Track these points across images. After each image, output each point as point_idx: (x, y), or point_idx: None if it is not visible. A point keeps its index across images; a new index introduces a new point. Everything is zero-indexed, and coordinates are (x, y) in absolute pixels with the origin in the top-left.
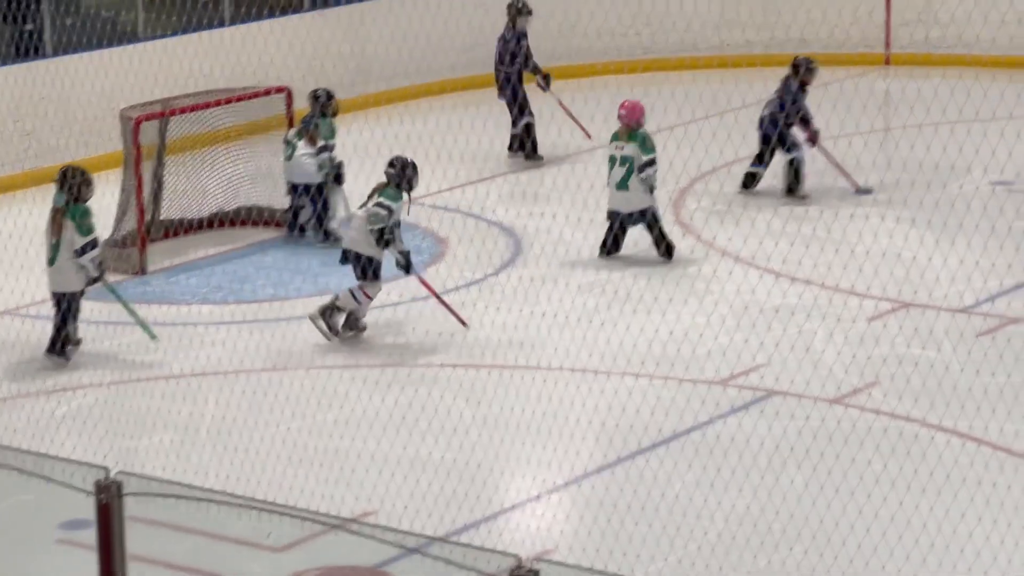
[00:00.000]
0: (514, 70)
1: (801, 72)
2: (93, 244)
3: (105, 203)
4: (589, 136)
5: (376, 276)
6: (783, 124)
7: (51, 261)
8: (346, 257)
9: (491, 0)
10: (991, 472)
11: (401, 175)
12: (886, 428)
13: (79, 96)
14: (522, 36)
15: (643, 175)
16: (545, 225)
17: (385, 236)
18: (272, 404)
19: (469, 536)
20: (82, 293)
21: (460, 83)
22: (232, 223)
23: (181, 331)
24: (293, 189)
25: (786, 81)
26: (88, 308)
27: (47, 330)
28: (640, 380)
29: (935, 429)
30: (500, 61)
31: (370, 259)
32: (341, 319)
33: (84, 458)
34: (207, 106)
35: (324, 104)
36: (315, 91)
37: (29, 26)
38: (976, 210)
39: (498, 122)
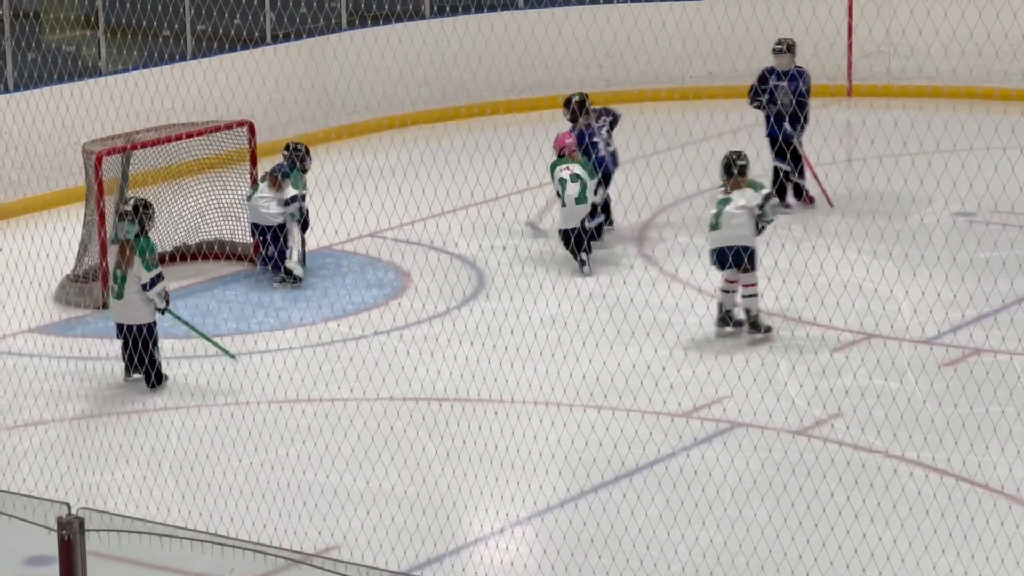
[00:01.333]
0: (771, 110)
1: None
2: (160, 277)
3: (67, 238)
4: (832, 204)
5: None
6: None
7: (119, 295)
8: (724, 255)
9: (452, 34)
10: (955, 504)
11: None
12: (850, 460)
13: (41, 131)
14: (771, 74)
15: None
16: (508, 258)
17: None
18: (235, 439)
19: (433, 571)
20: (155, 322)
21: (422, 116)
22: (194, 257)
23: None
24: (255, 228)
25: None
26: (49, 343)
27: (8, 365)
28: (603, 413)
29: (899, 460)
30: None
31: (750, 248)
32: (740, 313)
33: (46, 494)
34: (169, 140)
35: (298, 158)
36: (289, 145)
37: None
38: (938, 241)
39: (459, 155)
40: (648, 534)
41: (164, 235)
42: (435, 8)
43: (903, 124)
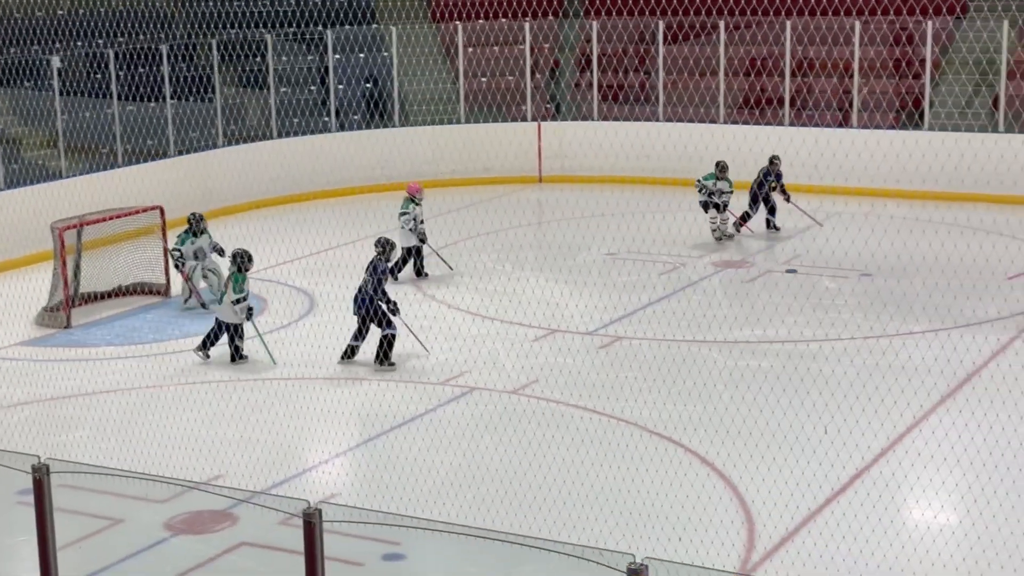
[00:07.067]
0: None
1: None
2: (245, 298)
3: (42, 283)
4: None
5: None
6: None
7: (221, 302)
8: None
9: (291, 150)
10: (614, 435)
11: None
12: (547, 410)
13: (21, 214)
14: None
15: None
16: (335, 292)
17: None
18: (155, 409)
19: (281, 490)
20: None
21: (274, 201)
22: (126, 294)
23: (94, 364)
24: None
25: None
26: (31, 352)
27: (2, 367)
28: (389, 383)
29: (577, 409)
30: None
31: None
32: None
33: (26, 450)
34: (108, 219)
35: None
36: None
37: None
38: (595, 272)
39: (297, 225)
40: (421, 460)
41: (106, 280)
42: (281, 132)
43: (586, 202)
